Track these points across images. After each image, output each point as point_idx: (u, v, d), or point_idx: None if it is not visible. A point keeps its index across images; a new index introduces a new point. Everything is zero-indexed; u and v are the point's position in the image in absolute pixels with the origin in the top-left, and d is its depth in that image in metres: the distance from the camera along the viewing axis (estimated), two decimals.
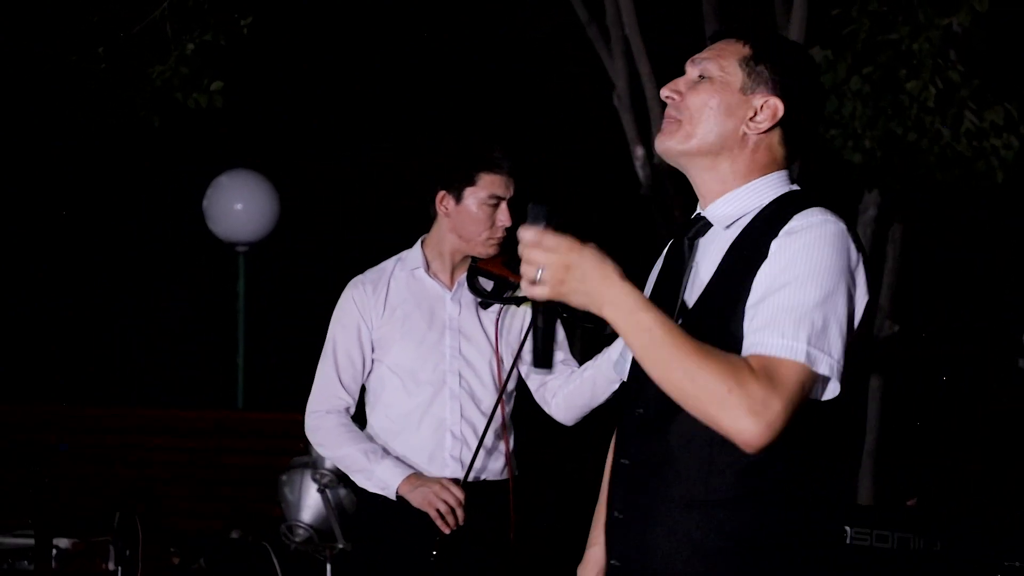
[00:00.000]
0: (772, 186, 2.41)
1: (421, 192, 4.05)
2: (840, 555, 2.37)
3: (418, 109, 9.20)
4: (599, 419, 4.21)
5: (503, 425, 3.99)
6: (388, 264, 4.10)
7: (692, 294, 2.41)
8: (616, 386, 3.86)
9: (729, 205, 2.41)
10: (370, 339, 4.01)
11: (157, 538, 5.62)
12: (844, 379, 2.22)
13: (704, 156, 2.42)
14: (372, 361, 4.02)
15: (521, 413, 4.12)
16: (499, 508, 3.98)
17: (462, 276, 4.03)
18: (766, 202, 2.39)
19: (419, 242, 4.10)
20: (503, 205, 3.94)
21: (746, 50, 2.43)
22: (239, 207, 7.65)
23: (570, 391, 3.96)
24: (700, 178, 2.45)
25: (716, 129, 2.41)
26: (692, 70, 2.47)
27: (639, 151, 6.87)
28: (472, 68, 9.28)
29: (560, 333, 4.07)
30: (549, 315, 2.22)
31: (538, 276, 2.18)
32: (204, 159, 8.40)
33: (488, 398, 3.99)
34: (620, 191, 7.72)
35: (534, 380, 4.05)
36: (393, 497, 3.89)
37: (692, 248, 2.45)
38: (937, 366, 8.78)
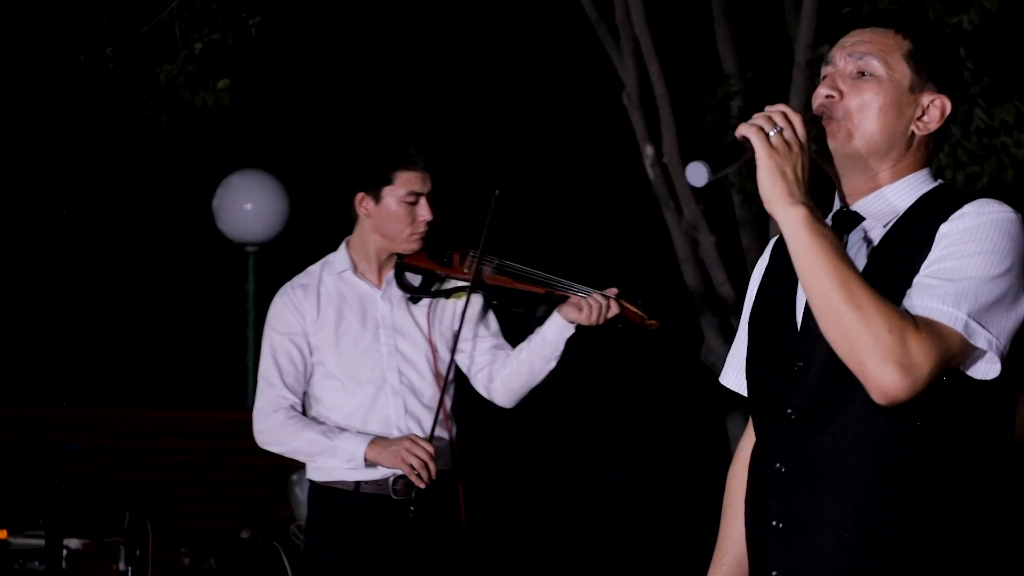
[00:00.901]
0: (923, 182, 2.34)
1: (341, 195, 4.09)
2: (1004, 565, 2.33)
3: (426, 108, 9.20)
4: (536, 405, 4.28)
5: (445, 416, 4.04)
6: (315, 269, 4.14)
7: None
8: (552, 365, 3.99)
9: (885, 201, 2.32)
10: (307, 343, 4.04)
11: (167, 539, 5.63)
12: (1005, 363, 2.16)
13: (868, 157, 2.31)
14: (312, 365, 4.05)
15: (460, 403, 4.16)
16: (448, 497, 4.02)
17: (390, 274, 4.09)
18: (919, 195, 2.31)
19: (344, 244, 4.14)
20: (422, 200, 4.00)
21: (907, 43, 2.32)
22: (249, 207, 7.65)
23: (507, 374, 4.05)
24: (852, 176, 2.34)
25: (886, 130, 2.30)
26: (848, 64, 2.33)
27: (648, 150, 6.86)
28: (481, 68, 9.27)
29: (493, 320, 4.14)
30: (739, 151, 2.20)
31: (771, 133, 2.17)
32: (214, 159, 8.40)
33: (429, 391, 4.04)
34: (629, 190, 7.71)
35: (470, 365, 4.12)
36: (362, 466, 3.91)
37: (843, 243, 2.30)
38: None
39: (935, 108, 2.32)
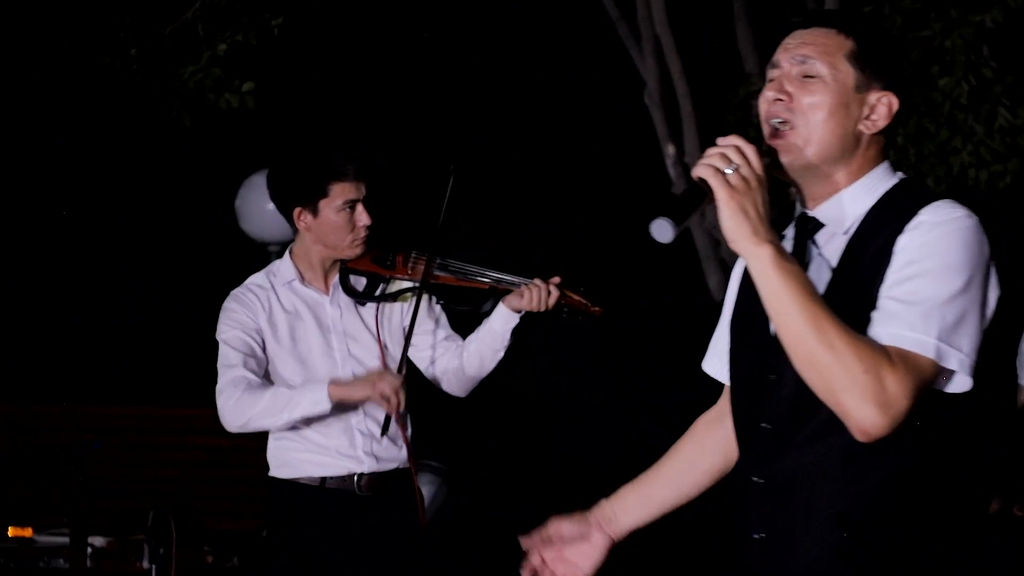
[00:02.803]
0: (882, 179, 2.31)
1: (280, 209, 4.12)
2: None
3: (447, 108, 9.21)
4: (486, 397, 4.35)
5: (397, 416, 4.05)
6: (260, 279, 4.17)
7: None
8: (500, 354, 4.07)
9: (843, 206, 2.30)
10: (260, 339, 4.08)
11: (191, 537, 5.64)
12: (976, 374, 2.16)
13: (821, 164, 2.29)
14: (267, 371, 4.08)
15: (415, 400, 4.18)
16: (405, 494, 4.08)
17: (336, 279, 4.13)
18: (878, 196, 2.29)
19: (287, 253, 4.18)
20: (359, 207, 4.04)
21: (850, 43, 2.29)
22: (271, 207, 7.65)
23: (458, 366, 4.12)
24: (809, 183, 2.33)
25: (836, 132, 2.28)
26: (792, 67, 2.32)
27: (670, 149, 6.87)
28: (502, 67, 9.28)
29: (442, 315, 4.20)
30: (698, 196, 2.16)
31: (728, 171, 2.14)
32: (237, 158, 8.43)
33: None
34: (651, 189, 7.71)
35: (423, 361, 4.17)
36: (328, 408, 3.93)
37: (804, 250, 2.31)
38: None
39: (882, 106, 2.30)
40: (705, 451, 2.59)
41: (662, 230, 2.12)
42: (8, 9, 6.39)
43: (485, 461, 7.70)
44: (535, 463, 8.28)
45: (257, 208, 7.69)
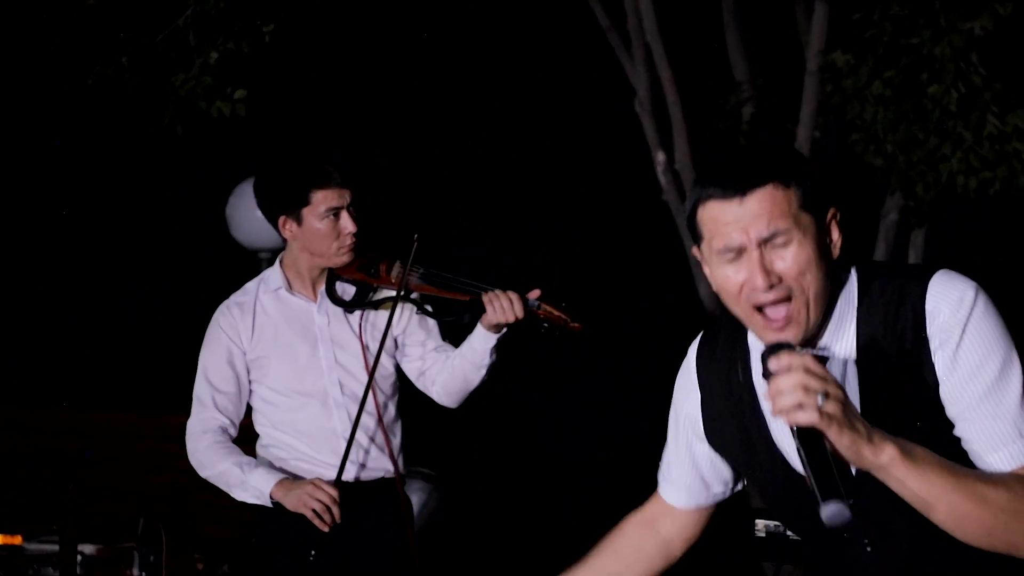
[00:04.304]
0: (846, 283, 2.24)
1: (267, 218, 4.13)
2: None
3: (437, 114, 9.22)
4: (478, 410, 4.39)
5: (380, 422, 4.07)
6: (251, 285, 4.20)
7: None
8: (483, 371, 4.06)
9: (835, 333, 2.22)
10: (244, 363, 4.10)
11: (181, 544, 5.64)
12: None
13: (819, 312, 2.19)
14: (251, 382, 4.10)
15: (404, 408, 4.22)
16: (391, 504, 4.10)
17: (323, 287, 4.13)
18: (855, 303, 2.22)
19: (278, 261, 4.19)
20: (343, 214, 4.03)
21: (792, 189, 2.17)
22: (261, 214, 7.66)
23: (445, 378, 4.13)
24: None
25: (826, 277, 2.19)
26: (757, 248, 2.16)
27: (660, 156, 6.87)
28: (493, 74, 9.29)
29: (432, 324, 4.20)
30: (815, 441, 1.98)
31: (820, 402, 1.95)
32: (227, 166, 8.43)
33: (371, 400, 4.07)
34: (641, 197, 7.72)
35: (413, 370, 4.19)
36: (269, 503, 3.97)
37: None
38: None
39: (835, 222, 2.22)
40: (642, 555, 2.55)
41: (841, 514, 1.94)
42: (2, 13, 6.38)
43: (475, 467, 7.70)
44: (524, 468, 8.29)
45: (247, 216, 7.69)
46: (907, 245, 6.94)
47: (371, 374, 4.04)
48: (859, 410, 2.06)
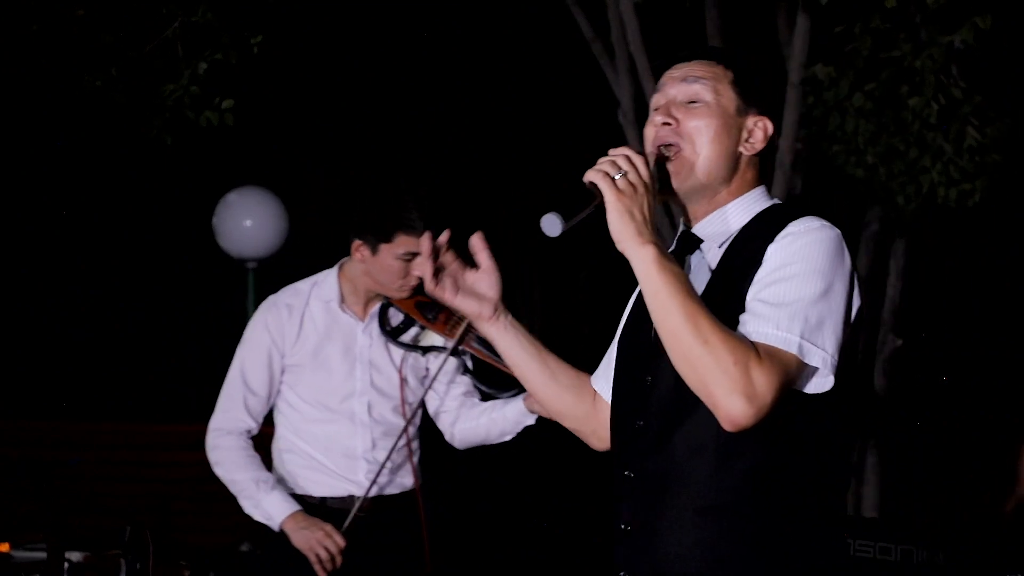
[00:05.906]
0: (757, 201, 2.48)
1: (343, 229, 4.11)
2: (844, 568, 2.42)
3: (424, 126, 9.25)
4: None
5: (408, 443, 4.12)
6: (304, 288, 4.17)
7: None
8: (507, 438, 4.08)
9: (719, 223, 2.46)
10: (281, 365, 4.10)
11: (168, 552, 5.65)
12: (837, 375, 2.29)
13: (708, 184, 2.45)
14: (281, 384, 4.11)
15: (427, 424, 4.25)
16: (410, 518, 4.13)
17: (375, 309, 4.13)
18: (752, 215, 2.45)
19: (337, 268, 4.17)
20: (418, 259, 3.98)
21: (730, 73, 2.48)
22: (248, 224, 7.70)
23: (467, 428, 4.14)
24: (694, 202, 2.48)
25: (720, 153, 2.45)
26: (678, 93, 2.48)
27: None
28: (476, 85, 9.32)
29: (465, 376, 4.17)
30: (587, 200, 2.32)
31: (617, 176, 2.30)
32: (214, 176, 8.46)
33: (398, 424, 4.11)
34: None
35: (432, 405, 4.20)
36: (276, 529, 4.00)
37: (684, 264, 2.46)
38: (940, 377, 8.81)
39: (759, 130, 2.49)
40: (580, 380, 2.70)
41: (551, 224, 2.29)
42: None
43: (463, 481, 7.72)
44: (514, 479, 8.31)
45: (235, 225, 7.72)
46: (888, 256, 7.00)
47: (408, 419, 4.09)
48: (705, 285, 2.38)
